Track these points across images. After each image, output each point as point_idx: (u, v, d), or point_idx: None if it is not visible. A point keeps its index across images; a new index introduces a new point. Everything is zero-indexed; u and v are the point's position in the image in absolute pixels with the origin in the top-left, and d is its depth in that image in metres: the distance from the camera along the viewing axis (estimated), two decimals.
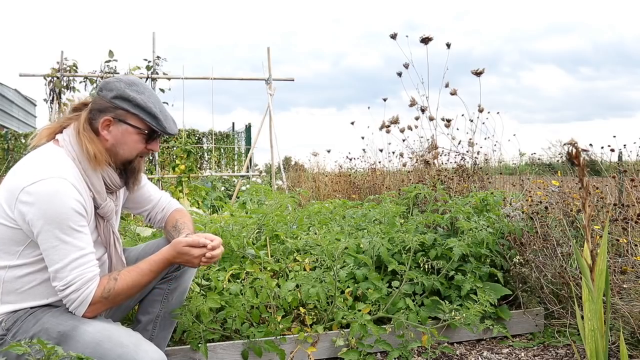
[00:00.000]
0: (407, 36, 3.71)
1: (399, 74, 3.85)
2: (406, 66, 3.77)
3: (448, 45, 3.69)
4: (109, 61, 5.63)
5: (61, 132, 1.54)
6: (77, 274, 1.38)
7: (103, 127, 1.52)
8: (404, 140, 4.24)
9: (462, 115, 3.79)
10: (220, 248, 1.61)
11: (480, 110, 3.66)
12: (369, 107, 4.98)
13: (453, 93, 3.63)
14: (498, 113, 3.79)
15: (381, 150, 5.26)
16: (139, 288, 1.52)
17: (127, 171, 1.62)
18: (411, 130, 4.12)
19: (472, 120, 3.71)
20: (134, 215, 3.80)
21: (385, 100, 4.47)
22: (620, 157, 3.51)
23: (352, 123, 5.35)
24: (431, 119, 3.75)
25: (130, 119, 1.52)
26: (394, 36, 3.71)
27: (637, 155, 3.25)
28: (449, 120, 3.80)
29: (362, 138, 5.63)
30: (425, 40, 3.60)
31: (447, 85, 3.66)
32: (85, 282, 1.39)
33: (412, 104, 3.77)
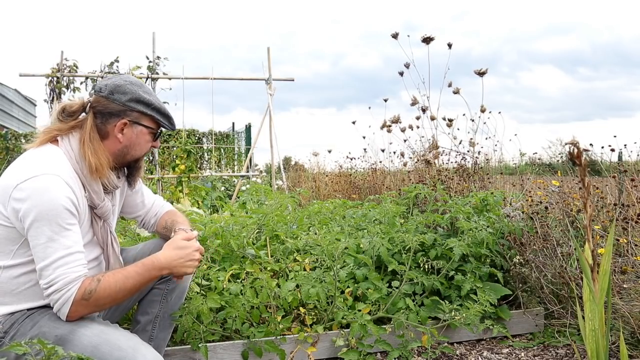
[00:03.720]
0: (408, 36, 3.71)
1: (401, 74, 3.85)
2: (407, 66, 3.77)
3: (449, 46, 3.69)
4: (112, 63, 5.63)
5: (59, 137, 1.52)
6: (60, 273, 1.36)
7: (118, 130, 1.54)
8: (405, 141, 4.24)
9: (464, 114, 3.79)
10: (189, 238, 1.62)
11: (483, 111, 3.66)
12: (369, 107, 4.99)
13: (456, 92, 3.63)
14: (500, 113, 3.79)
15: (383, 150, 5.26)
16: (125, 292, 1.44)
17: (132, 169, 1.65)
18: (412, 130, 4.12)
19: (473, 120, 3.71)
20: None
21: (386, 100, 4.47)
22: (620, 157, 3.51)
23: (354, 122, 5.35)
24: (432, 118, 3.75)
25: (144, 120, 1.57)
26: (395, 35, 3.71)
27: (638, 155, 3.25)
28: (450, 120, 3.80)
29: (364, 138, 5.64)
30: (427, 40, 3.59)
31: (450, 85, 3.66)
32: (68, 282, 1.36)
33: (414, 102, 3.77)
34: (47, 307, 1.46)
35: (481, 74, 3.58)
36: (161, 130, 1.65)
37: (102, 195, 1.55)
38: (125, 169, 1.67)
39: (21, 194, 1.35)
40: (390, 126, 4.28)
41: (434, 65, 3.73)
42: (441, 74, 3.70)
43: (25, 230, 1.37)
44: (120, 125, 1.53)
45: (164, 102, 1.68)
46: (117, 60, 5.63)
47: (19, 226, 1.38)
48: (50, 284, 1.36)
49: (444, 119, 3.82)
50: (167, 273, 1.55)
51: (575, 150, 1.49)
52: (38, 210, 1.34)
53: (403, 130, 4.15)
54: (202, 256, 1.65)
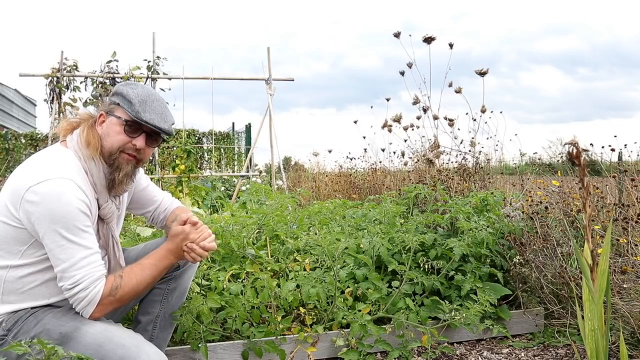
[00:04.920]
0: (410, 35, 3.71)
1: (402, 73, 3.84)
2: (410, 65, 3.77)
3: (451, 46, 3.69)
4: (110, 61, 5.64)
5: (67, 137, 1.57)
6: (84, 272, 1.38)
7: (99, 123, 1.56)
8: (405, 141, 4.24)
9: (467, 113, 3.79)
10: (212, 238, 1.64)
11: (483, 111, 3.66)
12: (372, 107, 5.00)
13: (458, 91, 3.63)
14: (501, 112, 3.78)
15: (383, 150, 5.26)
16: (145, 284, 1.51)
17: (108, 166, 1.54)
18: (413, 129, 4.12)
19: (474, 120, 3.71)
20: (134, 216, 3.80)
21: (388, 100, 4.48)
22: (620, 157, 3.51)
23: (356, 122, 5.36)
24: (435, 117, 3.75)
25: (116, 110, 1.54)
26: (397, 34, 3.70)
27: (638, 155, 3.24)
28: (451, 120, 3.80)
29: (364, 137, 5.64)
30: (428, 40, 3.59)
31: (450, 85, 3.66)
32: (93, 281, 1.39)
33: (416, 101, 3.76)
34: (51, 305, 1.47)
35: (482, 73, 3.58)
36: (136, 123, 1.51)
37: (106, 196, 1.56)
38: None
39: (35, 197, 1.36)
40: (391, 126, 4.28)
41: (433, 65, 3.73)
42: (440, 74, 3.71)
43: (38, 233, 1.38)
44: (100, 117, 1.56)
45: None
46: (115, 60, 5.63)
47: (31, 228, 1.39)
48: (75, 284, 1.38)
49: (446, 118, 3.82)
50: (179, 256, 1.59)
51: (575, 150, 1.49)
52: (54, 214, 1.35)
53: (405, 129, 4.15)
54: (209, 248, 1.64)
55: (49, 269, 1.43)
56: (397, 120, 4.13)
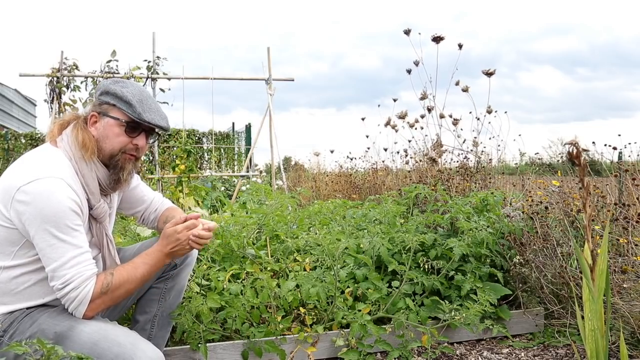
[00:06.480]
0: (419, 33, 3.71)
1: (409, 71, 3.83)
2: (416, 63, 3.76)
3: (460, 46, 3.70)
4: (109, 61, 5.63)
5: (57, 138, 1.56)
6: (75, 271, 1.38)
7: (91, 124, 1.55)
8: (409, 141, 4.25)
9: (470, 112, 3.79)
10: (209, 229, 1.60)
11: (489, 111, 3.66)
12: (379, 106, 5.00)
13: (465, 90, 3.63)
14: (505, 112, 3.78)
15: (385, 150, 5.26)
16: (136, 282, 1.50)
17: (110, 167, 1.56)
18: (416, 128, 4.12)
19: (478, 119, 3.70)
20: None
21: (395, 100, 4.48)
22: (620, 157, 3.51)
23: (363, 119, 5.35)
24: (441, 116, 3.75)
25: (111, 111, 1.54)
26: (407, 32, 3.70)
27: (638, 155, 3.24)
28: (456, 119, 3.80)
29: (367, 137, 5.64)
30: (437, 40, 3.59)
31: (457, 83, 3.66)
32: (84, 280, 1.39)
33: (423, 97, 3.76)
34: (46, 305, 1.47)
35: (489, 74, 3.56)
36: (137, 124, 1.54)
37: (98, 196, 1.55)
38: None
39: (25, 197, 1.36)
40: (395, 125, 4.29)
41: (433, 65, 3.73)
42: (441, 74, 3.71)
43: (31, 234, 1.37)
44: (92, 117, 1.55)
45: (163, 102, 1.66)
46: (115, 60, 5.63)
47: (22, 228, 1.39)
48: (66, 283, 1.38)
49: (450, 116, 3.82)
50: (173, 256, 1.59)
51: (575, 150, 1.49)
52: (45, 214, 1.35)
53: (412, 126, 4.14)
54: (206, 238, 1.60)
55: (42, 269, 1.43)
56: (403, 117, 4.12)
